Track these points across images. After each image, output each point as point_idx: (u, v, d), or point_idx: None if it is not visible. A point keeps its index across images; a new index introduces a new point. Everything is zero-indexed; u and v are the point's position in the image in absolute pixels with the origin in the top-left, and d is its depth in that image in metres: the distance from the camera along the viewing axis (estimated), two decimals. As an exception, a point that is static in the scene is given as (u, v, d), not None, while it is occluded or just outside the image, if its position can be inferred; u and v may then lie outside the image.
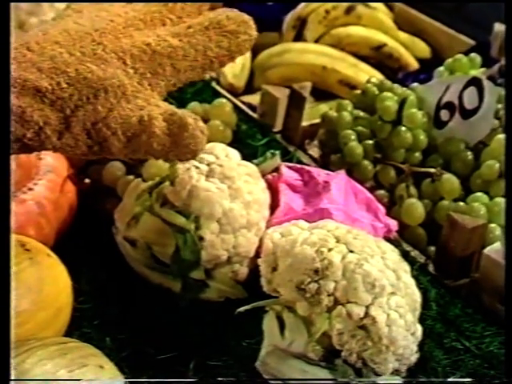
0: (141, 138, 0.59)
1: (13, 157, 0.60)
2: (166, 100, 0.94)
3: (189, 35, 0.62)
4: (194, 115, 0.61)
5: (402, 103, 0.89)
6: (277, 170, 0.79)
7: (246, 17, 0.66)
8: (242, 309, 0.65)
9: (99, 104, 0.58)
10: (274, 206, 0.76)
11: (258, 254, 0.71)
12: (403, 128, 0.88)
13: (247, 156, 0.78)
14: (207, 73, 0.64)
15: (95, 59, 0.59)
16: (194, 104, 0.95)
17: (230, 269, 0.73)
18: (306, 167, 0.81)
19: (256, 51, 1.23)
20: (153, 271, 0.74)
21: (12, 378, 0.56)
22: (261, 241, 0.73)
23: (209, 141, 0.66)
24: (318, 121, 0.98)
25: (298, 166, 0.81)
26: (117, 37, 0.61)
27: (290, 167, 0.80)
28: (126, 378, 0.61)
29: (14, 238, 0.67)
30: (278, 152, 0.81)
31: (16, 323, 0.61)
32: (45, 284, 0.66)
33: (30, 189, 0.75)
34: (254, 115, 1.01)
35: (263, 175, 0.77)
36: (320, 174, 0.80)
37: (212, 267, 0.72)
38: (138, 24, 0.63)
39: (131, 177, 0.80)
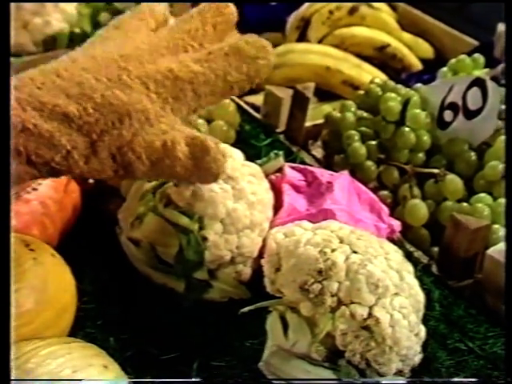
0: (164, 162, 0.62)
1: None
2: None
3: (209, 61, 0.64)
4: (215, 139, 0.63)
5: (406, 104, 0.89)
6: (280, 170, 0.80)
7: (265, 42, 0.67)
8: (245, 309, 0.65)
9: (124, 129, 0.60)
10: (277, 206, 0.76)
11: (261, 255, 0.71)
12: (407, 128, 0.88)
13: (251, 156, 0.78)
14: (227, 97, 0.66)
15: (120, 84, 0.61)
16: (197, 104, 0.95)
17: (234, 269, 0.73)
18: (310, 168, 0.81)
19: (259, 51, 1.23)
20: (156, 271, 0.74)
21: (16, 377, 0.56)
22: (264, 241, 0.73)
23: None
24: (321, 121, 0.98)
25: (302, 166, 0.81)
26: (141, 62, 0.63)
27: (293, 168, 0.80)
28: (129, 378, 0.61)
29: (18, 237, 0.67)
30: (281, 152, 0.81)
31: (20, 323, 0.61)
32: (49, 284, 0.66)
33: (35, 189, 0.75)
34: (258, 115, 1.01)
35: (267, 175, 0.77)
36: (323, 174, 0.80)
37: (215, 267, 0.72)
38: (161, 50, 0.65)
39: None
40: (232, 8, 0.69)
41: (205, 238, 0.71)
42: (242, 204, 0.72)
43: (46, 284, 0.66)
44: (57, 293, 0.66)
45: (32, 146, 0.58)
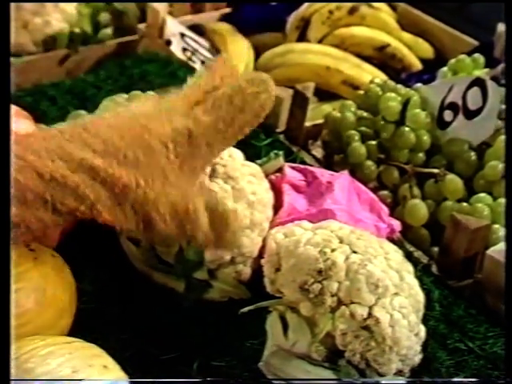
0: (186, 227, 0.66)
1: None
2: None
3: (216, 108, 0.67)
4: (234, 207, 0.69)
5: (406, 104, 0.89)
6: (280, 170, 0.80)
7: (264, 76, 0.70)
8: (245, 309, 0.65)
9: (148, 188, 0.64)
10: (277, 206, 0.76)
11: (261, 255, 0.71)
12: (406, 128, 0.88)
13: (251, 156, 0.78)
14: (239, 138, 0.70)
15: (142, 144, 0.65)
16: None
17: (234, 269, 0.73)
18: (310, 168, 0.81)
19: (259, 51, 1.24)
20: (156, 271, 0.74)
21: (16, 376, 0.56)
22: (264, 241, 0.73)
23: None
24: (321, 121, 0.98)
25: (302, 166, 0.81)
26: (161, 121, 0.67)
27: (293, 167, 0.80)
28: (129, 378, 0.61)
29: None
30: (281, 152, 0.81)
31: (20, 323, 0.61)
32: (49, 284, 0.66)
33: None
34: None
35: (267, 175, 0.77)
36: (323, 174, 0.80)
37: (215, 267, 0.72)
38: (177, 107, 0.68)
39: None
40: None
41: None
42: (242, 204, 0.72)
43: (46, 284, 0.66)
44: (57, 293, 0.66)
45: (58, 196, 0.62)
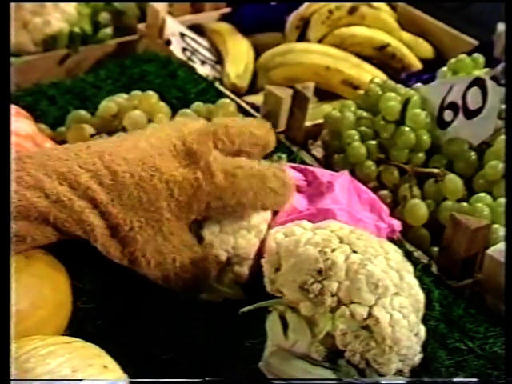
0: (170, 275, 0.69)
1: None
2: (169, 102, 0.95)
3: (235, 176, 0.68)
4: (216, 255, 0.70)
5: (406, 103, 0.89)
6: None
7: (291, 181, 0.72)
8: (245, 309, 0.65)
9: (139, 233, 0.67)
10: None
11: (258, 256, 0.71)
12: (406, 128, 0.88)
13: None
14: (234, 213, 0.70)
15: (149, 186, 0.67)
16: (197, 104, 0.96)
17: (230, 270, 0.73)
18: (310, 167, 0.81)
19: (259, 51, 1.24)
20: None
21: (16, 376, 0.56)
22: (261, 243, 0.73)
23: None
24: (321, 121, 0.98)
25: (302, 166, 0.81)
26: (175, 165, 0.68)
27: (293, 167, 0.80)
28: (129, 378, 0.61)
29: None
30: (284, 156, 0.81)
31: (15, 322, 0.61)
32: (42, 282, 0.66)
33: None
34: (258, 115, 1.01)
35: None
36: (324, 174, 0.80)
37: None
38: (192, 147, 0.69)
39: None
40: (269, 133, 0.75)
41: (201, 238, 0.71)
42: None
43: (40, 283, 0.66)
44: (51, 291, 0.67)
45: (61, 217, 0.65)
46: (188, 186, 0.67)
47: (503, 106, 0.86)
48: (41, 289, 0.66)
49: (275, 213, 0.75)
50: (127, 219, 0.66)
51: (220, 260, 0.72)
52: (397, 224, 0.80)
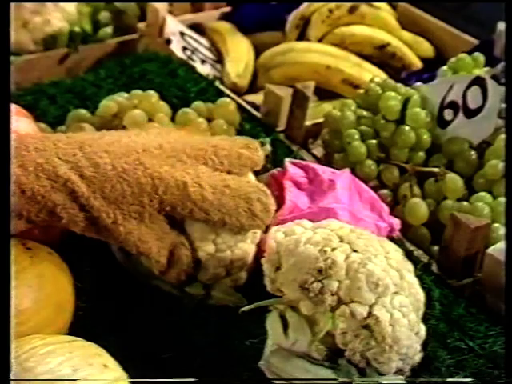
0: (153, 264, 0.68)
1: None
2: (169, 101, 0.95)
3: (223, 194, 0.67)
4: (186, 250, 0.68)
5: (406, 102, 0.89)
6: (282, 166, 0.80)
7: (273, 207, 0.71)
8: (245, 308, 0.65)
9: (123, 224, 0.65)
10: (279, 203, 0.75)
11: (256, 257, 0.71)
12: (407, 127, 0.88)
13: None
14: (213, 229, 0.69)
15: (132, 179, 0.64)
16: (197, 103, 0.96)
17: (229, 279, 0.73)
18: (311, 164, 0.81)
19: (259, 50, 1.24)
20: (152, 278, 0.73)
21: (16, 376, 0.56)
22: (260, 243, 0.73)
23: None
24: (321, 120, 0.98)
25: (303, 162, 0.81)
26: (159, 163, 0.66)
27: (294, 164, 0.80)
28: (129, 378, 0.61)
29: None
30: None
31: (17, 322, 0.61)
32: (46, 282, 0.66)
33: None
34: (258, 114, 1.01)
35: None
36: (325, 171, 0.80)
37: (212, 282, 0.72)
38: (181, 156, 0.68)
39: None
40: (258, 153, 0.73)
41: (198, 261, 0.70)
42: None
43: (43, 282, 0.66)
44: (54, 291, 0.67)
45: (34, 211, 0.63)
46: (174, 187, 0.66)
47: (503, 105, 0.85)
48: (45, 289, 0.66)
49: (276, 210, 0.75)
50: (110, 213, 0.64)
51: (219, 276, 0.72)
52: (397, 223, 0.80)
